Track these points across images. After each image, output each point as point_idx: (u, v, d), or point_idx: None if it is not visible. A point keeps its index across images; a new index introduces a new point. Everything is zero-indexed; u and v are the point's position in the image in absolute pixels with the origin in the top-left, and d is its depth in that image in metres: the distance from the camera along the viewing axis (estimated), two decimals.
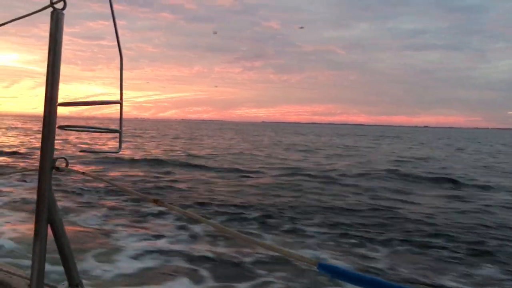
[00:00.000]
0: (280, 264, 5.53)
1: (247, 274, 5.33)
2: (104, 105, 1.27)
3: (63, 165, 1.28)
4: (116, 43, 1.16)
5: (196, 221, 7.14)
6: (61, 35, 1.22)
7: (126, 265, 5.44)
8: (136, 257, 5.77)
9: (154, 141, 34.41)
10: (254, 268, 5.52)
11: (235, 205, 9.32)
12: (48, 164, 1.25)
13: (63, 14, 1.21)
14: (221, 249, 6.21)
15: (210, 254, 5.98)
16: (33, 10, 1.32)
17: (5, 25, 1.45)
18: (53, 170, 1.26)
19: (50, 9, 1.21)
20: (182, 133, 57.67)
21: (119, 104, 1.21)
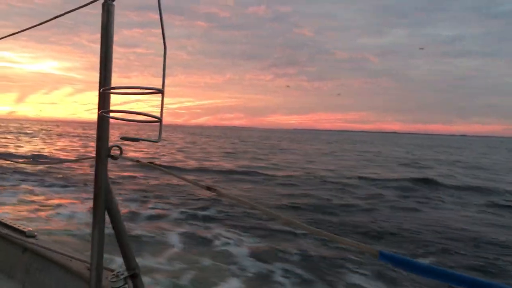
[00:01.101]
0: (339, 253, 5.51)
1: (306, 264, 5.33)
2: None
3: (117, 153, 1.31)
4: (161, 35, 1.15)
5: (251, 208, 7.26)
6: (112, 26, 1.24)
7: (177, 252, 5.57)
8: (187, 244, 5.88)
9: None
10: (313, 257, 5.51)
11: None
12: (104, 152, 1.28)
13: (113, 5, 1.22)
14: (273, 237, 6.24)
15: (261, 244, 6.01)
16: (85, 3, 1.35)
17: (55, 19, 1.49)
18: (108, 158, 1.30)
19: (101, 1, 1.23)
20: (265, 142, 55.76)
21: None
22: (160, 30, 1.12)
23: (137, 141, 1.23)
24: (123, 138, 1.22)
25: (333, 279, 5.03)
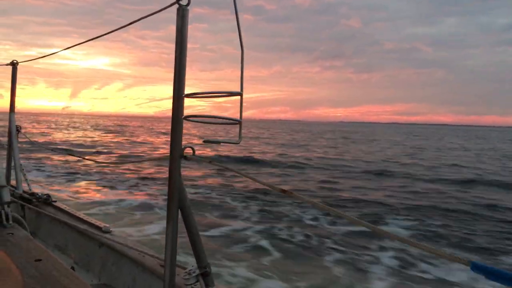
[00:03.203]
0: (429, 263, 5.33)
1: (391, 271, 5.18)
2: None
3: (190, 153, 1.34)
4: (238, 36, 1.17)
5: (327, 213, 7.12)
6: (187, 30, 1.27)
7: (247, 253, 5.61)
8: (260, 246, 5.89)
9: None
10: (397, 265, 5.37)
11: None
12: (177, 152, 1.32)
13: (187, 10, 1.26)
14: (356, 243, 6.11)
15: (342, 247, 5.91)
16: (159, 8, 1.40)
17: (136, 22, 1.55)
18: (182, 158, 1.33)
19: (176, 5, 1.27)
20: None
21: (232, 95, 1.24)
22: (237, 34, 1.13)
23: (218, 143, 1.26)
24: (205, 141, 1.25)
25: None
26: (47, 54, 2.67)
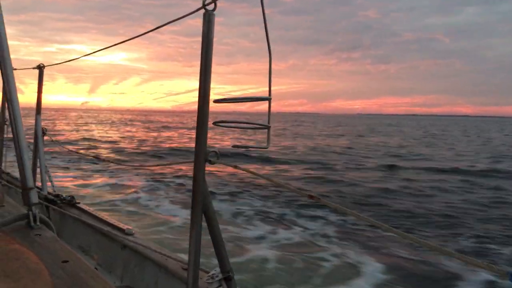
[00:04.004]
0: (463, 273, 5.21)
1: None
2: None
3: (215, 158, 1.35)
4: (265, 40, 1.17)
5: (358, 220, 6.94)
6: (213, 35, 1.28)
7: (273, 258, 5.54)
8: (285, 253, 5.82)
9: None
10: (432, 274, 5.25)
11: None
12: (202, 157, 1.32)
13: (214, 15, 1.27)
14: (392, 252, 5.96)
15: (377, 257, 5.76)
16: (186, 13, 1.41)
17: (160, 28, 1.57)
18: (206, 162, 1.34)
19: (202, 10, 1.28)
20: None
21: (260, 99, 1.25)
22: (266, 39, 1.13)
23: (247, 149, 1.27)
24: (234, 146, 1.25)
25: None
26: (73, 58, 2.72)
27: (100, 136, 30.18)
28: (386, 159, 18.98)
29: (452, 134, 48.81)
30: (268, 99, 1.14)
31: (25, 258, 0.57)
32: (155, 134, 35.09)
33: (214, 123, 1.31)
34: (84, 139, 27.14)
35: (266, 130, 1.18)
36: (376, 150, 24.15)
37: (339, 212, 7.74)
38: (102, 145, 23.45)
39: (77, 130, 36.81)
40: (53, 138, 3.94)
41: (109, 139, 28.25)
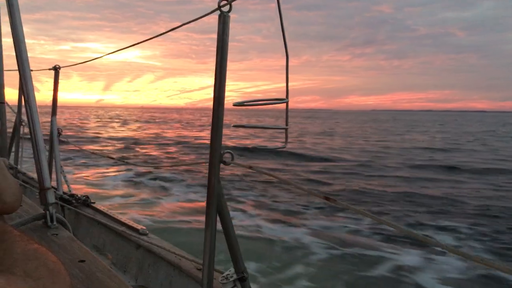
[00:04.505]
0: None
1: None
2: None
3: (230, 159, 1.35)
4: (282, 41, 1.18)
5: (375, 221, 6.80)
6: (228, 37, 1.28)
7: (289, 261, 5.48)
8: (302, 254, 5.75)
9: None
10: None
11: None
12: (216, 158, 1.33)
13: (229, 17, 1.27)
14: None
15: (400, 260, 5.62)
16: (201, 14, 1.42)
17: (176, 30, 1.58)
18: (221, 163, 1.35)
19: (218, 12, 1.28)
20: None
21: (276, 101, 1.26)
22: (282, 40, 1.13)
23: (266, 149, 1.28)
24: (254, 147, 1.27)
25: None
26: (88, 59, 2.75)
27: (190, 140, 25.80)
28: None
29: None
30: (286, 101, 1.15)
31: (44, 258, 0.58)
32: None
33: (234, 126, 1.32)
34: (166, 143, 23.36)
35: (284, 131, 1.20)
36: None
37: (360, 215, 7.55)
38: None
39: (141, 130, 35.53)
40: (70, 141, 3.99)
41: (200, 141, 24.09)
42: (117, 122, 51.25)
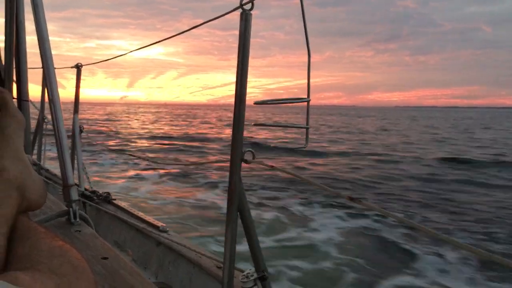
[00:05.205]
0: None
1: None
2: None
3: (251, 157, 1.34)
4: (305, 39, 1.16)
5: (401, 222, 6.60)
6: (250, 34, 1.28)
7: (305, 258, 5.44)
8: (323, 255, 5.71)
9: None
10: None
11: None
12: (237, 156, 1.32)
13: (251, 14, 1.26)
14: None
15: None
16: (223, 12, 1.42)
17: (198, 27, 1.58)
18: (242, 162, 1.34)
19: (240, 10, 1.27)
20: None
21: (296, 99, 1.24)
22: (304, 37, 1.11)
23: (286, 149, 1.27)
24: (274, 146, 1.26)
25: None
26: (111, 57, 2.78)
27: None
28: None
29: None
30: (307, 100, 1.14)
31: (69, 255, 0.58)
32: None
33: (255, 125, 1.32)
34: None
35: (305, 130, 1.19)
36: None
37: (386, 216, 7.40)
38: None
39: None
40: (89, 134, 4.04)
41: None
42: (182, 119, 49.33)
